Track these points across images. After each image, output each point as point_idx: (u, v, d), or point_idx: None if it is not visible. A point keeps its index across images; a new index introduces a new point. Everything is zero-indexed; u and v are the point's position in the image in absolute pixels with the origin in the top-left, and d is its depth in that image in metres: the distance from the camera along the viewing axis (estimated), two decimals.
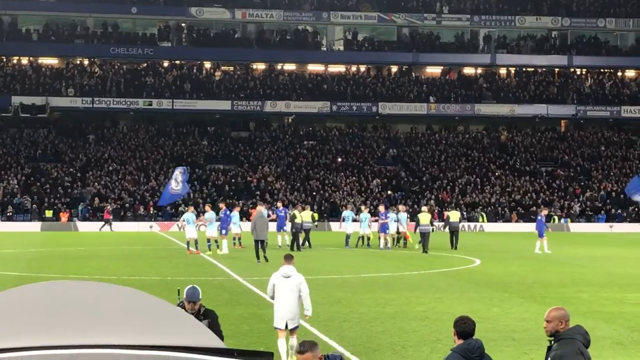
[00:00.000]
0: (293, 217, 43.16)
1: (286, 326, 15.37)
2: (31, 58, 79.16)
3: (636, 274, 32.06)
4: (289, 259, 16.03)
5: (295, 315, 15.38)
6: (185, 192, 47.09)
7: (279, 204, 48.47)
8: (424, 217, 42.35)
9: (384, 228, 43.83)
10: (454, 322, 8.92)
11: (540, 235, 41.85)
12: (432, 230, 43.87)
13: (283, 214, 45.11)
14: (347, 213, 47.62)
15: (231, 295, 25.08)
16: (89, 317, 4.10)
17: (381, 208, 45.89)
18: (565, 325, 8.73)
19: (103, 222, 62.70)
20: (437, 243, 43.68)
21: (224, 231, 41.00)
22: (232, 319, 20.27)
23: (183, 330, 4.24)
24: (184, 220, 41.19)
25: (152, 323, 4.16)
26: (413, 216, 48.92)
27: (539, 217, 43.57)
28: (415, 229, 42.91)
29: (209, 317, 12.00)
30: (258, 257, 35.35)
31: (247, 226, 45.28)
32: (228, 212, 41.92)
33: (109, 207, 64.37)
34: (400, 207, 47.99)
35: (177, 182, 42.57)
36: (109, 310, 4.17)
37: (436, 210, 64.26)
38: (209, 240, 40.39)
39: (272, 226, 42.03)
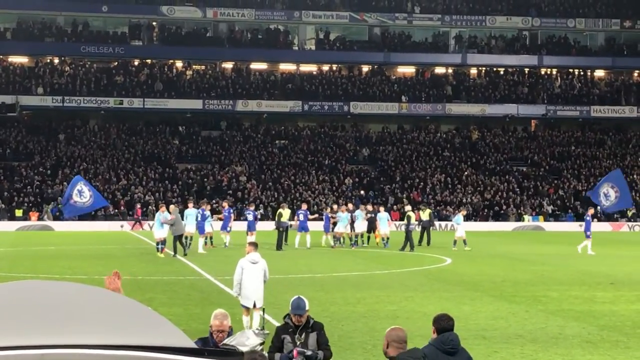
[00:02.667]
0: (279, 216, 43.32)
1: (254, 305, 17.62)
2: (1, 56, 78.57)
3: (606, 272, 32.31)
4: (254, 246, 18.26)
5: (261, 295, 17.85)
6: (98, 205, 39.56)
7: (225, 204, 47.53)
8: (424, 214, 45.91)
9: (326, 228, 44.45)
10: (433, 319, 9.10)
11: (588, 236, 41.49)
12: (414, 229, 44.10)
13: (228, 214, 44.59)
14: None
15: (202, 294, 25.07)
16: (60, 317, 4.09)
17: (332, 208, 46.44)
18: (404, 347, 8.53)
19: (134, 221, 62.42)
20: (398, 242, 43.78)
21: (196, 230, 41.14)
22: (204, 319, 20.23)
23: (154, 330, 4.25)
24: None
25: (123, 323, 4.16)
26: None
27: (587, 218, 42.64)
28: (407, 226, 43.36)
29: (317, 329, 11.40)
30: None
31: (217, 225, 45.49)
32: (205, 211, 41.91)
33: (138, 205, 64.19)
34: (374, 207, 48.44)
35: (82, 194, 38.75)
36: (80, 311, 4.17)
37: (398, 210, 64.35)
38: (157, 243, 38.70)
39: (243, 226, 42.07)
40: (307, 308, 11.35)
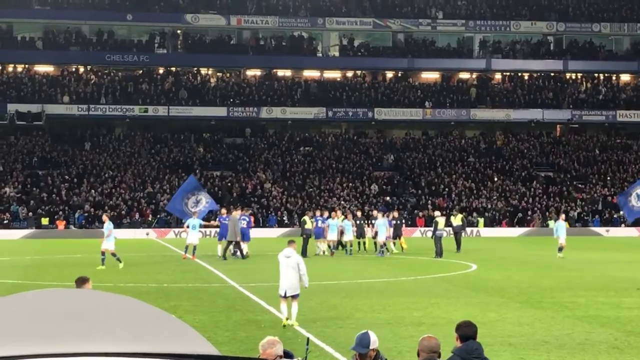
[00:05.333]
0: (304, 223, 43.31)
1: (285, 294, 19.97)
2: (27, 65, 79.13)
3: (633, 278, 32.06)
4: (291, 243, 20.82)
5: (294, 286, 20.01)
6: (209, 209, 43.37)
7: (223, 211, 44.80)
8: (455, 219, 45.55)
9: (318, 234, 43.49)
10: (456, 326, 9.03)
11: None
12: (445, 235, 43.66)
13: (227, 223, 42.26)
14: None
15: (227, 301, 25.06)
16: (84, 325, 4.10)
17: (318, 213, 45.85)
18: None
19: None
20: (429, 249, 43.62)
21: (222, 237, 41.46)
22: (229, 326, 20.28)
23: (178, 338, 4.25)
24: (187, 226, 41.58)
25: (147, 331, 4.17)
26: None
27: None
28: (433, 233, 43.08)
29: None
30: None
31: (254, 232, 45.45)
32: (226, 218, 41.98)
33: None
34: (399, 213, 48.23)
35: (198, 203, 41.28)
36: (103, 318, 4.17)
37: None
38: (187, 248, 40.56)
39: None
40: (371, 347, 9.28)
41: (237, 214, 41.56)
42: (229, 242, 40.87)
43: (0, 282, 30.00)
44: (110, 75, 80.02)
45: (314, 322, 20.76)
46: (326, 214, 45.39)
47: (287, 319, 20.16)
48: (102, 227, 37.31)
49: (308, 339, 9.91)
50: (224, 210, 44.71)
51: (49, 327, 4.06)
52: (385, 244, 43.68)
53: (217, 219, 42.83)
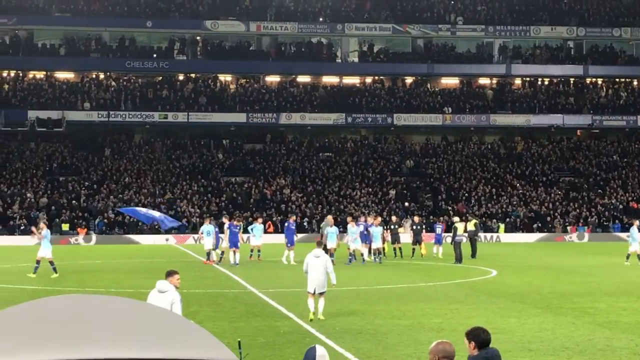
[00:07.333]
0: (324, 228, 43.17)
1: (314, 292, 21.74)
2: (47, 72, 79.54)
3: None
4: (318, 244, 23.12)
5: (322, 284, 21.72)
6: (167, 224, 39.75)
7: (225, 220, 43.96)
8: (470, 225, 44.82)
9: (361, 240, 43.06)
10: (468, 332, 8.74)
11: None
12: (463, 241, 43.35)
13: (237, 230, 41.26)
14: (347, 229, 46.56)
15: (247, 307, 25.09)
16: (107, 331, 4.11)
17: (362, 219, 45.66)
18: None
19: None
20: (448, 255, 43.53)
21: (225, 244, 41.56)
22: (248, 332, 20.29)
23: (197, 344, 4.25)
24: (202, 232, 41.79)
25: (167, 337, 4.18)
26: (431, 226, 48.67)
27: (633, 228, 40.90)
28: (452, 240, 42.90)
29: None
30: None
31: (274, 238, 45.52)
32: (234, 225, 41.84)
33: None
34: (419, 219, 48.18)
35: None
36: (126, 324, 4.19)
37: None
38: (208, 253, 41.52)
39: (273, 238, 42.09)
40: None
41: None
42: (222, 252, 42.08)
43: (21, 288, 30.14)
44: (130, 82, 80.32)
45: (333, 329, 20.75)
46: (372, 220, 44.51)
47: (313, 313, 21.86)
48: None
49: (239, 341, 9.56)
50: (225, 219, 44.13)
51: (72, 332, 4.08)
52: (380, 251, 42.81)
53: (227, 226, 41.69)
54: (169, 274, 15.09)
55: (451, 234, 44.03)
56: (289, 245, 41.71)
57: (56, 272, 34.39)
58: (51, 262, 34.48)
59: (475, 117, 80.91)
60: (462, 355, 8.67)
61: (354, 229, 42.41)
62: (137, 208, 41.96)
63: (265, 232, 51.79)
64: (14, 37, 79.53)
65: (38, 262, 34.61)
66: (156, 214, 39.30)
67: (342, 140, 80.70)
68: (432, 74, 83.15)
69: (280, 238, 55.82)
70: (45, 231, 35.11)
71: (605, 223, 71.60)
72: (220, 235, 42.35)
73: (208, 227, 41.48)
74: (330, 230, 41.38)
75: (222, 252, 42.13)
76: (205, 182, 73.04)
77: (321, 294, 21.93)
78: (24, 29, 79.53)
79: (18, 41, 79.50)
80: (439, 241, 46.88)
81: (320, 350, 9.24)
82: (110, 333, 4.23)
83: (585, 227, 69.94)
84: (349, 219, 46.33)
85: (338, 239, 42.14)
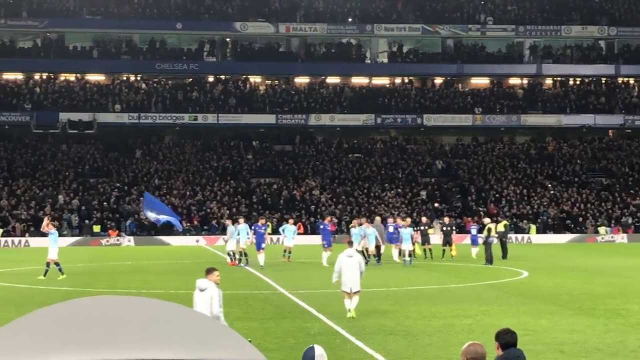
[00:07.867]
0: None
1: (350, 290, 22.26)
2: (78, 75, 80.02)
3: None
4: (350, 244, 23.97)
5: (357, 283, 22.27)
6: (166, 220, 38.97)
7: (261, 221, 43.75)
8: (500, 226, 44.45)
9: (391, 240, 43.03)
10: (495, 334, 8.85)
11: None
12: (494, 242, 43.01)
13: (263, 231, 41.17)
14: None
15: (277, 308, 25.09)
16: (136, 332, 4.11)
17: (391, 220, 45.32)
18: None
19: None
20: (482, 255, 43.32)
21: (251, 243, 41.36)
22: (278, 333, 20.29)
23: (227, 345, 4.24)
24: (237, 233, 41.86)
25: (198, 338, 4.16)
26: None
27: None
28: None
29: None
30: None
31: (303, 239, 45.44)
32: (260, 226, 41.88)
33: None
34: (450, 220, 47.82)
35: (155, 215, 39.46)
36: (158, 326, 4.18)
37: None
38: (229, 254, 41.45)
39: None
40: None
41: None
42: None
43: (53, 290, 30.33)
44: (160, 84, 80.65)
45: (364, 330, 20.70)
46: (402, 221, 44.23)
47: (349, 310, 22.50)
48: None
49: (249, 341, 9.50)
50: (261, 220, 44.41)
51: (99, 334, 4.08)
52: (376, 253, 42.16)
53: (253, 228, 41.58)
54: (209, 271, 15.59)
55: (483, 235, 43.74)
56: (325, 246, 41.71)
57: (62, 273, 34.27)
58: (56, 264, 34.44)
59: (505, 118, 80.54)
60: (494, 356, 8.65)
61: (356, 230, 42.09)
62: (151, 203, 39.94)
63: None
64: (45, 39, 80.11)
65: (48, 264, 34.51)
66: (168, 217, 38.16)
67: (372, 141, 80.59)
68: (462, 74, 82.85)
69: (309, 239, 55.78)
70: (53, 231, 35.17)
71: (637, 224, 71.00)
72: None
73: (231, 229, 41.43)
74: (368, 232, 41.22)
75: (241, 253, 41.54)
76: (235, 183, 73.19)
77: (356, 292, 22.36)
78: (55, 31, 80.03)
79: (49, 44, 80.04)
80: (475, 242, 46.71)
81: (318, 350, 9.51)
82: (138, 334, 4.23)
83: (618, 228, 69.22)
84: (354, 221, 45.46)
85: (378, 240, 41.78)
